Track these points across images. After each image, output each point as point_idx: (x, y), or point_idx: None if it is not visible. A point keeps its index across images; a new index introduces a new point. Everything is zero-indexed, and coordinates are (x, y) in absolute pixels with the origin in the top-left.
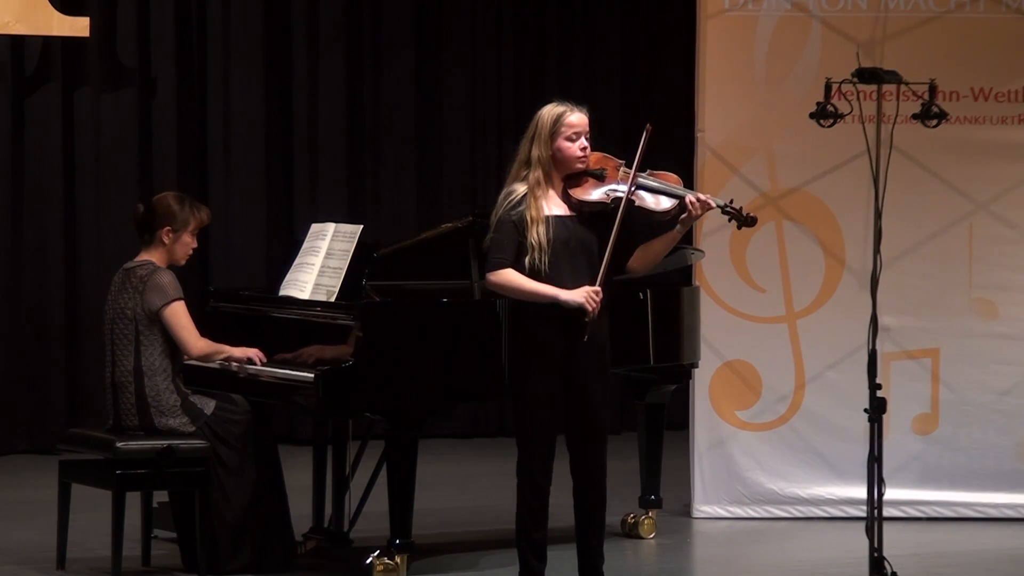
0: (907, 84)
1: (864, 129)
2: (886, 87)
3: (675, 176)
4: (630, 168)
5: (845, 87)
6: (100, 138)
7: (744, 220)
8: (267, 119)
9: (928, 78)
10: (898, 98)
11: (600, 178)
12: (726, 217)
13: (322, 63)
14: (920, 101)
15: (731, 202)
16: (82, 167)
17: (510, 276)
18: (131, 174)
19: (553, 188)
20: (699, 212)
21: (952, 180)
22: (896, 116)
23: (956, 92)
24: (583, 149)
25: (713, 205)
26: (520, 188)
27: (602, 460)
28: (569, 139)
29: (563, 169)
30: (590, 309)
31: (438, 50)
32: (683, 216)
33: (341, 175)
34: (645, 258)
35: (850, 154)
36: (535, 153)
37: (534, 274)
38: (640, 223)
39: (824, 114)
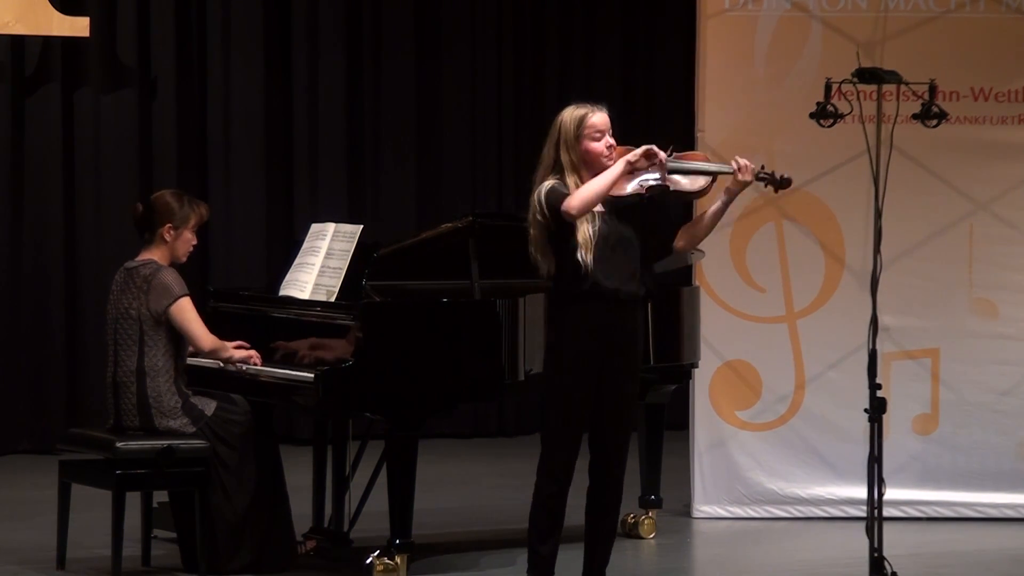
0: (907, 84)
1: (864, 129)
2: (886, 87)
3: (701, 154)
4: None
5: (845, 87)
6: (100, 138)
7: (779, 182)
8: (267, 119)
9: (928, 78)
10: (898, 98)
11: (629, 171)
12: (761, 183)
13: (322, 63)
14: (920, 101)
15: (763, 167)
16: (82, 167)
17: (577, 193)
18: (131, 174)
19: None
20: (748, 177)
21: (952, 180)
22: (896, 116)
23: (956, 92)
24: (609, 147)
25: (754, 168)
26: (555, 183)
27: (624, 459)
28: (594, 139)
29: (592, 169)
30: (656, 150)
31: (438, 50)
32: (728, 186)
33: (341, 175)
34: (694, 234)
35: (850, 154)
36: (564, 158)
37: (577, 269)
38: (678, 204)
39: (824, 114)
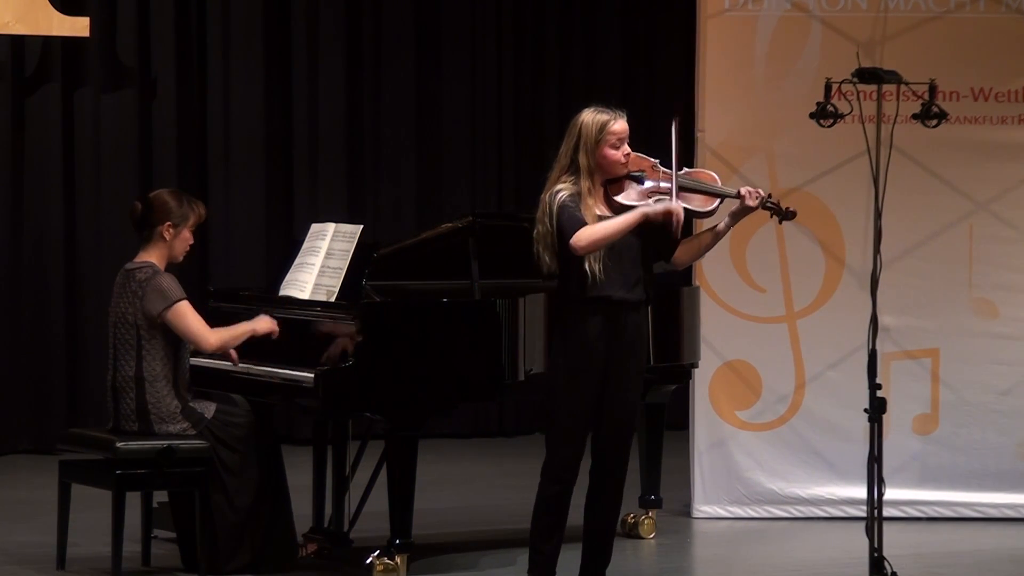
0: (907, 84)
1: (864, 129)
2: (886, 87)
3: (710, 173)
4: (665, 167)
5: (845, 87)
6: (100, 138)
7: (784, 214)
8: (267, 119)
9: (928, 78)
10: (898, 98)
11: (640, 180)
12: (767, 212)
13: (322, 63)
14: (920, 101)
15: (770, 196)
16: (82, 167)
17: (590, 229)
18: (131, 174)
19: (596, 193)
20: (754, 203)
21: (952, 180)
22: (896, 116)
23: (956, 92)
24: (626, 155)
25: (762, 196)
26: (567, 188)
27: (625, 462)
28: (613, 146)
29: (605, 174)
30: (677, 210)
31: (438, 50)
32: (734, 209)
33: (341, 175)
34: (691, 251)
35: (850, 154)
36: (582, 160)
37: (584, 278)
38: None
39: (824, 114)
